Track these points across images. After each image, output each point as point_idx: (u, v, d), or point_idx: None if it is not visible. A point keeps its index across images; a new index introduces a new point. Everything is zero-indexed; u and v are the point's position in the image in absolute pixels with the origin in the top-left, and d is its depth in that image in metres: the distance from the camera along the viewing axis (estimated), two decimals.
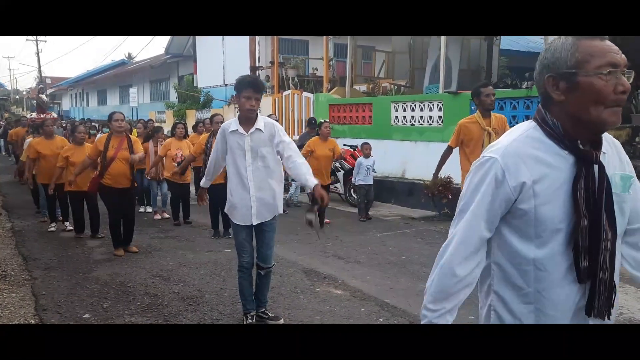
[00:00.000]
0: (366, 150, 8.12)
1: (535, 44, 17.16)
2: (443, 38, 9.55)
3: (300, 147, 7.86)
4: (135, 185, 6.24)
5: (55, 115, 26.16)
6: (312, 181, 3.47)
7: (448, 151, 5.21)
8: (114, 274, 5.29)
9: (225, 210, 3.92)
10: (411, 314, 4.22)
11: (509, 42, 16.16)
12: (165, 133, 9.82)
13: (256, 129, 3.65)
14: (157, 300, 4.52)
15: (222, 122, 7.05)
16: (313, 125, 9.11)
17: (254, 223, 3.75)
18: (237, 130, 3.67)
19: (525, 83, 10.23)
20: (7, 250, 6.35)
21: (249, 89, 3.58)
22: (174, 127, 8.22)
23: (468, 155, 4.89)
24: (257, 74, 16.57)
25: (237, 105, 4.14)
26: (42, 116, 20.83)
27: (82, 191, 6.48)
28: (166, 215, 8.35)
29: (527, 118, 6.99)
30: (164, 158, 8.04)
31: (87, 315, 4.17)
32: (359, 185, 8.10)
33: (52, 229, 7.38)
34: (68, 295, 4.67)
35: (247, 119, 3.68)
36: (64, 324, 4.00)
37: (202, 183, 4.17)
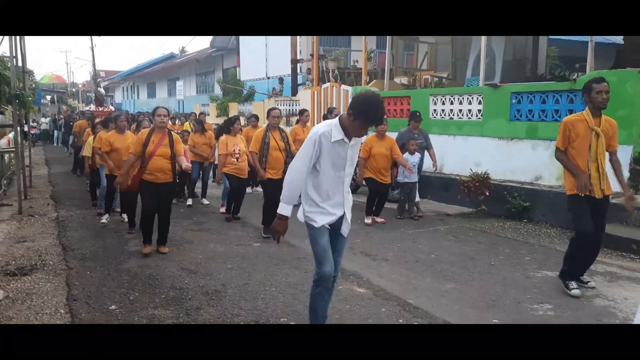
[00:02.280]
0: (412, 147, 7.92)
1: None
2: None
3: (401, 147, 7.71)
4: (177, 180, 6.10)
5: (112, 108, 27.21)
6: None
7: (561, 154, 4.59)
8: (144, 266, 5.43)
9: (303, 216, 3.42)
10: (432, 315, 4.12)
11: None
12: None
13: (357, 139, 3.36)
14: (181, 294, 4.60)
15: (279, 116, 6.88)
16: (417, 118, 8.28)
17: (345, 235, 3.48)
18: (342, 139, 3.24)
19: (575, 74, 9.78)
20: (50, 240, 6.63)
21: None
22: (232, 122, 7.85)
23: (573, 156, 4.49)
24: (298, 67, 16.59)
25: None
26: (100, 109, 21.70)
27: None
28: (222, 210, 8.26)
29: (571, 112, 6.70)
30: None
31: (113, 307, 4.30)
32: (403, 182, 7.94)
33: (104, 220, 7.45)
34: (99, 286, 4.83)
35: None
36: (67, 324, 4.14)
37: (283, 211, 3.30)
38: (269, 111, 6.84)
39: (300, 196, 3.42)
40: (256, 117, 9.69)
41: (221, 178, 7.95)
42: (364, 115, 3.12)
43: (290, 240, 6.39)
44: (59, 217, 8.07)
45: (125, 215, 7.60)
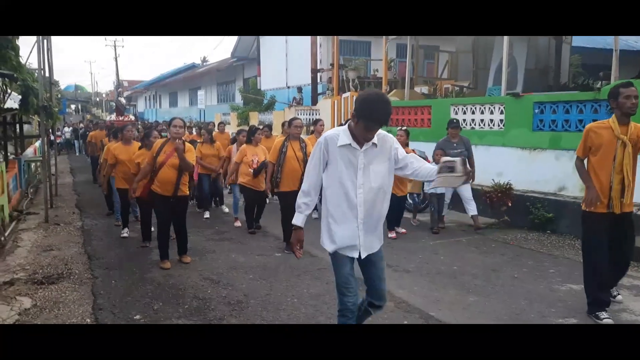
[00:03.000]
0: (437, 156, 7.86)
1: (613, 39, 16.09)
2: (507, 36, 9.19)
3: (433, 157, 7.64)
4: (187, 193, 6.04)
5: (132, 117, 27.68)
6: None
7: (580, 162, 4.41)
8: (168, 276, 5.49)
9: (324, 242, 3.25)
10: None
11: (583, 38, 15.24)
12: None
13: (372, 143, 3.06)
14: (204, 304, 4.65)
15: (301, 126, 6.78)
16: (454, 125, 7.90)
17: (362, 256, 3.17)
18: (349, 144, 3.04)
19: (599, 83, 9.65)
20: (75, 248, 6.75)
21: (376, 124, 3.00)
22: (253, 132, 7.83)
23: (594, 166, 4.24)
24: (318, 76, 16.66)
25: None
26: (120, 118, 22.09)
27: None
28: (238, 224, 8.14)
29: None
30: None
31: (138, 317, 4.36)
32: (431, 193, 7.87)
33: (125, 234, 7.40)
34: (123, 295, 4.90)
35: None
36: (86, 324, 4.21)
37: (297, 221, 3.22)
38: (290, 121, 6.79)
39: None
40: (269, 127, 9.75)
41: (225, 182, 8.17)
42: (366, 114, 2.91)
43: (311, 250, 6.40)
44: (84, 225, 8.23)
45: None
